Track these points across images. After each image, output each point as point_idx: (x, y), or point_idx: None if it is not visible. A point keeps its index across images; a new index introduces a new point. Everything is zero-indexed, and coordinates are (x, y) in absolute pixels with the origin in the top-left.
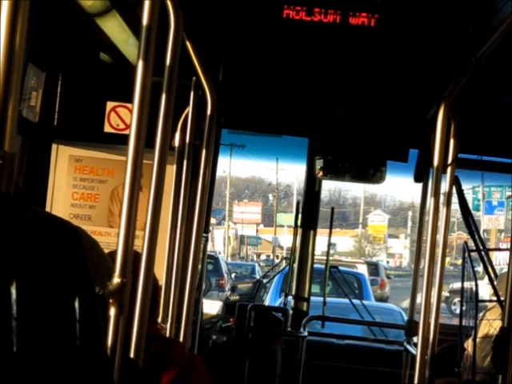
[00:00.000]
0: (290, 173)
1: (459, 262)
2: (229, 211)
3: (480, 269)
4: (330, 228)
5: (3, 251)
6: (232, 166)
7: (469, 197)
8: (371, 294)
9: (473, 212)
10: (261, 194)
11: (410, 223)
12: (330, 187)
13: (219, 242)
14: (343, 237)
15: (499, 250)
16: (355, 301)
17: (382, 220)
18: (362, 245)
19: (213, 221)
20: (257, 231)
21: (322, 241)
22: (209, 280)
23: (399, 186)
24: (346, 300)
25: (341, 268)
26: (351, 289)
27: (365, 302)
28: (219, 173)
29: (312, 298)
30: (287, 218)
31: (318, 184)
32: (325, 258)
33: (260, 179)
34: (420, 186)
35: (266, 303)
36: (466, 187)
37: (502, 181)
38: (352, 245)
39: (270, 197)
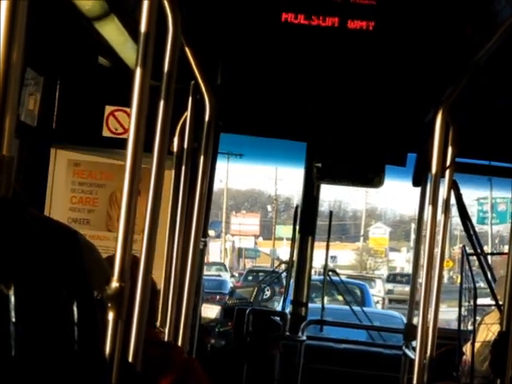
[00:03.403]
0: (290, 184)
1: (459, 278)
2: (226, 223)
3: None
4: (329, 231)
5: (1, 254)
6: (231, 179)
7: (473, 209)
8: (373, 304)
9: (478, 225)
10: (260, 206)
11: (412, 236)
12: (329, 199)
13: (215, 256)
14: (343, 250)
15: (498, 254)
16: (355, 307)
17: (383, 233)
18: (364, 258)
19: (211, 233)
20: (255, 244)
21: (320, 254)
22: (273, 289)
23: (399, 199)
24: (346, 307)
25: (343, 279)
26: (353, 298)
27: (365, 308)
28: (216, 183)
29: (312, 305)
30: (287, 230)
31: (316, 189)
32: (329, 269)
33: (260, 192)
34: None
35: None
36: (472, 199)
37: (509, 191)
38: (353, 258)
39: (269, 208)
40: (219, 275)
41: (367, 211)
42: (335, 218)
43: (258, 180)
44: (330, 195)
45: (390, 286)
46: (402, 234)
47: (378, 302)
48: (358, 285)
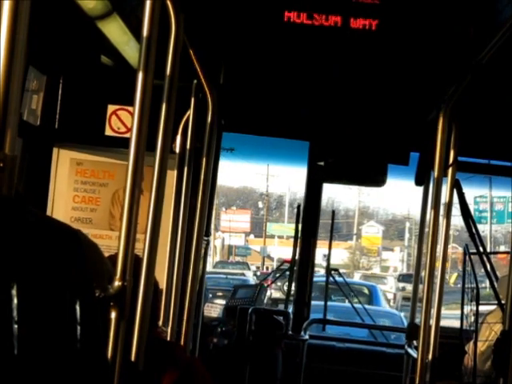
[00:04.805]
0: (282, 181)
1: (452, 279)
2: (216, 219)
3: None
4: (331, 231)
5: (3, 254)
6: (223, 176)
7: (470, 207)
8: (383, 303)
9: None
10: (252, 204)
11: (407, 235)
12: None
13: None
14: (336, 248)
15: (499, 253)
16: (357, 305)
17: (376, 231)
18: (357, 257)
19: None
20: (246, 241)
21: (318, 252)
22: None
23: (391, 198)
24: (349, 304)
25: (354, 280)
26: (363, 298)
27: (366, 306)
28: None
29: (315, 302)
30: (278, 228)
31: (318, 188)
32: (331, 269)
33: (252, 189)
34: (412, 196)
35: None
36: (470, 197)
37: (506, 190)
38: (346, 257)
39: (260, 204)
40: (243, 274)
41: (359, 209)
42: (327, 216)
43: (250, 177)
44: (323, 193)
45: (401, 284)
46: (394, 233)
47: (390, 301)
48: (366, 285)
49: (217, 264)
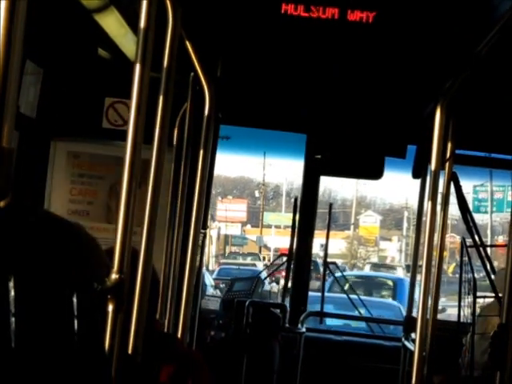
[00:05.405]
0: (279, 170)
1: (450, 269)
2: (212, 209)
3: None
4: (329, 224)
5: (1, 247)
6: (221, 166)
7: (468, 197)
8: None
9: (474, 214)
10: (249, 194)
11: (405, 224)
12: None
13: None
14: (333, 238)
15: (497, 246)
16: (353, 296)
17: (373, 221)
18: (355, 247)
19: None
20: (243, 231)
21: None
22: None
23: (389, 188)
24: (352, 296)
25: (380, 273)
26: (386, 292)
27: (364, 297)
28: None
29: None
30: (275, 218)
31: (316, 181)
32: (329, 262)
33: (249, 179)
34: (412, 186)
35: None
36: (469, 186)
37: (505, 180)
38: (344, 246)
39: (257, 194)
40: (254, 264)
41: (356, 199)
42: (324, 206)
43: (247, 167)
44: (320, 184)
45: (408, 275)
46: (392, 222)
47: None
48: (391, 278)
49: (229, 255)
